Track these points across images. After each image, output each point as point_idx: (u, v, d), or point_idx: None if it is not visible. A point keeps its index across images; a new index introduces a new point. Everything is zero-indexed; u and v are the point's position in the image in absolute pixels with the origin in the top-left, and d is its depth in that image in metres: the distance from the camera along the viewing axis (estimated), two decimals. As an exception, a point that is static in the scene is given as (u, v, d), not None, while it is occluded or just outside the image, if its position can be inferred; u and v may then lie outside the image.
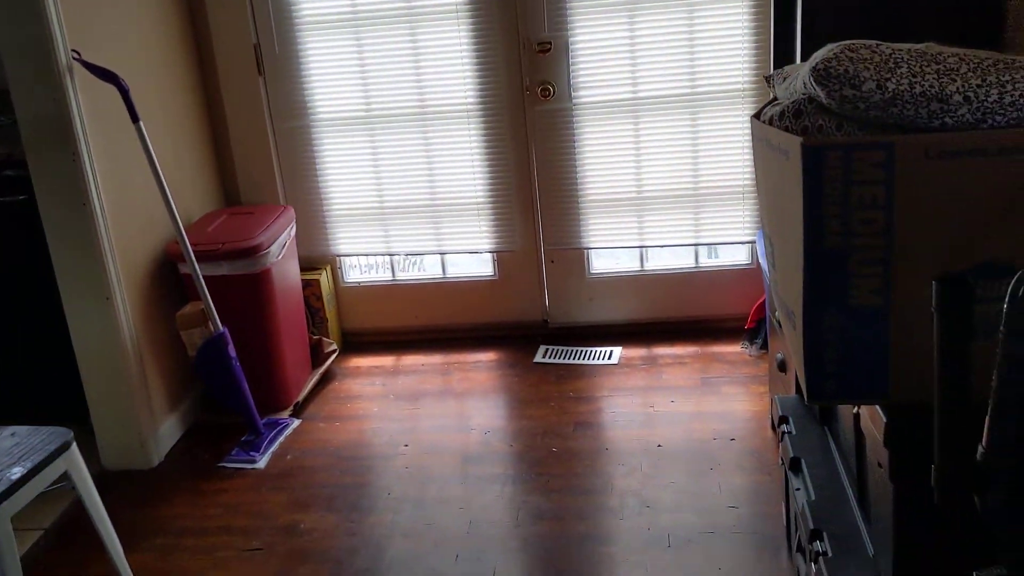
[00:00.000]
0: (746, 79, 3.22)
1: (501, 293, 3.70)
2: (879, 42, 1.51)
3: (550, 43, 3.29)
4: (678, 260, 3.64)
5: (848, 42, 1.50)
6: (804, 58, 2.52)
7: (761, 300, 3.29)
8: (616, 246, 3.57)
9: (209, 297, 2.92)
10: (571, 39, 3.28)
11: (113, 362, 2.87)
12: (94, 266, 2.78)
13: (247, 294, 3.07)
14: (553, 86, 3.33)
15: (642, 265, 3.62)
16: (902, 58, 1.45)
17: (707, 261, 3.61)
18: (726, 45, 3.20)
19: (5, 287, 3.10)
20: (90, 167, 2.71)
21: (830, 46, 1.51)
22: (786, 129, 1.59)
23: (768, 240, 1.76)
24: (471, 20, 3.31)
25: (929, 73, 1.42)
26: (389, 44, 3.37)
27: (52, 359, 3.04)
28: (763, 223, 1.79)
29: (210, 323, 2.94)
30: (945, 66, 1.43)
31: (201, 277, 2.90)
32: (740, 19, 3.16)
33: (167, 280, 3.10)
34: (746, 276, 3.50)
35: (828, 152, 1.47)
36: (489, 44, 3.33)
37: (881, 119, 1.47)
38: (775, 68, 2.74)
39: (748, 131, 3.26)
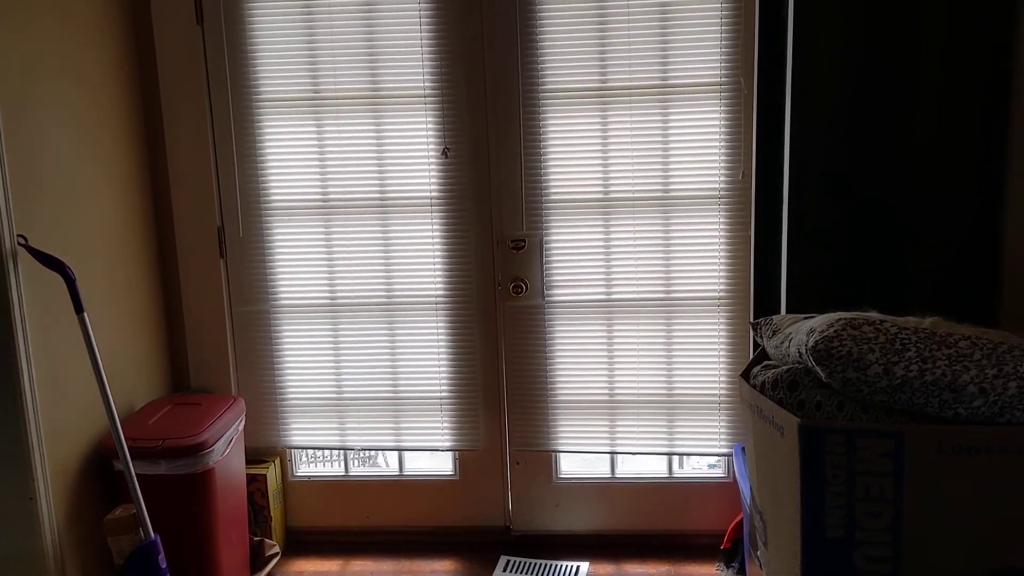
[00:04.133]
0: (722, 286, 3.14)
1: (462, 494, 3.47)
2: (883, 317, 1.39)
3: (524, 240, 3.21)
4: (650, 467, 3.45)
5: (850, 316, 1.38)
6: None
7: (738, 519, 3.10)
8: (586, 450, 3.39)
9: (142, 500, 2.67)
10: (546, 238, 3.20)
11: (31, 571, 2.59)
12: (19, 465, 2.54)
13: (186, 496, 2.83)
14: (526, 283, 3.23)
15: (612, 471, 3.43)
16: (909, 339, 1.33)
17: (680, 471, 3.43)
18: (701, 252, 3.14)
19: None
20: (25, 360, 2.51)
21: (831, 318, 1.39)
22: (780, 401, 1.44)
23: (759, 515, 1.59)
24: (445, 213, 3.23)
25: (940, 359, 1.29)
26: (358, 232, 3.27)
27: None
28: (754, 494, 1.63)
29: (141, 529, 2.69)
30: (957, 351, 1.31)
31: (135, 478, 2.67)
32: (715, 227, 3.11)
33: (100, 477, 2.86)
34: (722, 489, 3.31)
35: (829, 436, 1.32)
36: (462, 238, 3.25)
37: (887, 403, 1.34)
38: (756, 310, 2.66)
39: (724, 341, 3.17)
